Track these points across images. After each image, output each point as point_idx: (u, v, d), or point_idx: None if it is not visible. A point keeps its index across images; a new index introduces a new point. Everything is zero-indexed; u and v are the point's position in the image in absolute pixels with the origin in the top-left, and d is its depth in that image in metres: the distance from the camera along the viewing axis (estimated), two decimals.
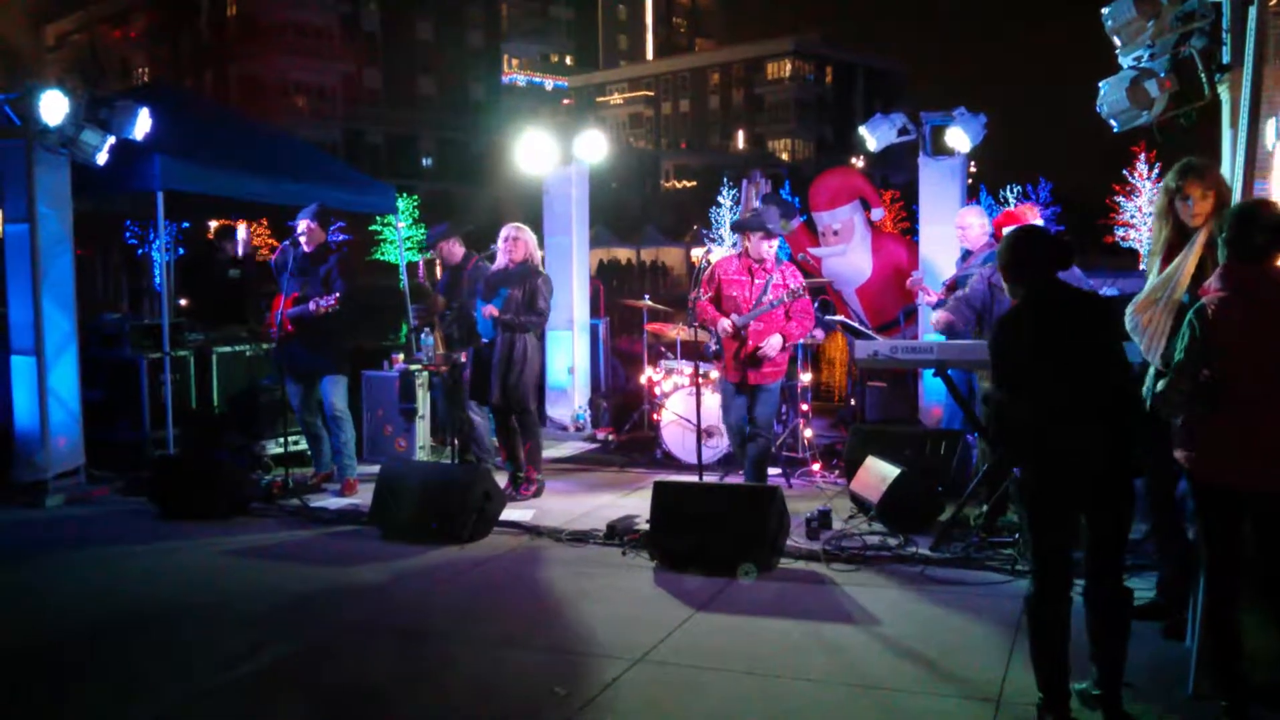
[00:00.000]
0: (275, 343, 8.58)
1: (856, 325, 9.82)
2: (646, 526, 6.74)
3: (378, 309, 12.85)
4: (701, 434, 7.96)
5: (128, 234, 25.79)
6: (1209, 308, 4.03)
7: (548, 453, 9.76)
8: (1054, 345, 4.05)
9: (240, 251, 11.93)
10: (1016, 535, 6.32)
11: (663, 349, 10.48)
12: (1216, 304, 4.02)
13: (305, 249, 8.49)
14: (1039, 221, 7.08)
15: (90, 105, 8.19)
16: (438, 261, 9.03)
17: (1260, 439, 3.96)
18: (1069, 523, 4.11)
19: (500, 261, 8.26)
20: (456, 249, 8.93)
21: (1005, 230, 6.87)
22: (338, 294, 8.20)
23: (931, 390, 9.16)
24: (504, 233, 8.28)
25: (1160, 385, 4.23)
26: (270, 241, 37.95)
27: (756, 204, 11.88)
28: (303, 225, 8.46)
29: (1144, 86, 5.58)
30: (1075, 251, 4.32)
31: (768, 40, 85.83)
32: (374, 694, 4.67)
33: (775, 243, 7.70)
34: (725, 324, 7.48)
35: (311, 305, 8.21)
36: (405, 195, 42.06)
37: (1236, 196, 4.77)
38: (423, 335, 9.74)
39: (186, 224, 14.54)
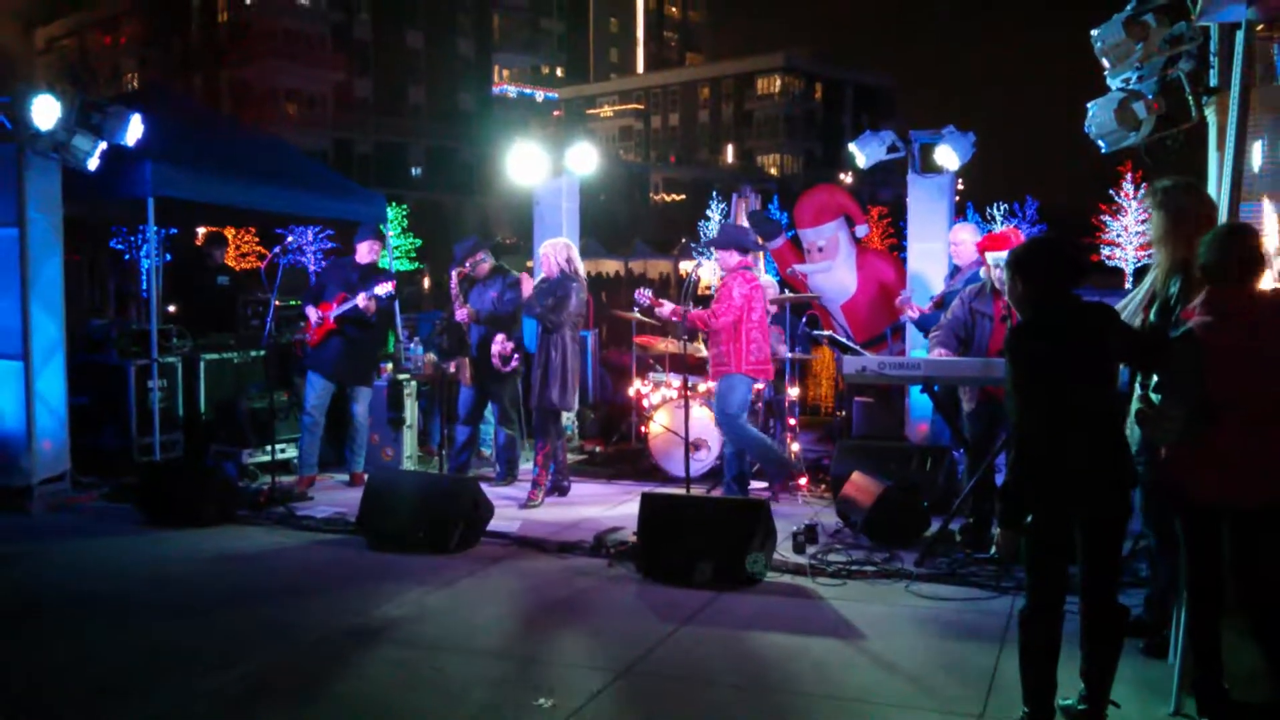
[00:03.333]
0: (304, 343, 9.08)
1: (844, 341, 9.86)
2: (633, 538, 6.76)
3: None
4: (689, 446, 7.98)
5: (115, 240, 25.72)
6: (1196, 331, 4.07)
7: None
8: (1066, 357, 4.08)
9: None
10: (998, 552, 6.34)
11: (651, 361, 10.50)
12: (1202, 328, 4.06)
13: (360, 261, 9.11)
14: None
15: (82, 110, 8.17)
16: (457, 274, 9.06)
17: (1243, 457, 4.00)
18: (1067, 536, 4.14)
19: (540, 275, 8.79)
20: (484, 263, 9.02)
21: (989, 254, 6.97)
22: (392, 282, 8.86)
23: (918, 406, 9.20)
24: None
25: (1137, 405, 4.28)
26: (259, 249, 37.94)
27: (744, 219, 11.94)
28: (364, 248, 9.13)
29: (1132, 108, 5.63)
30: (1084, 267, 4.39)
31: (758, 56, 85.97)
32: (359, 703, 4.67)
33: (726, 256, 8.21)
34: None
35: (361, 300, 8.73)
36: (394, 204, 42.07)
37: (1223, 219, 4.82)
38: (412, 345, 9.78)
39: (174, 230, 14.52)
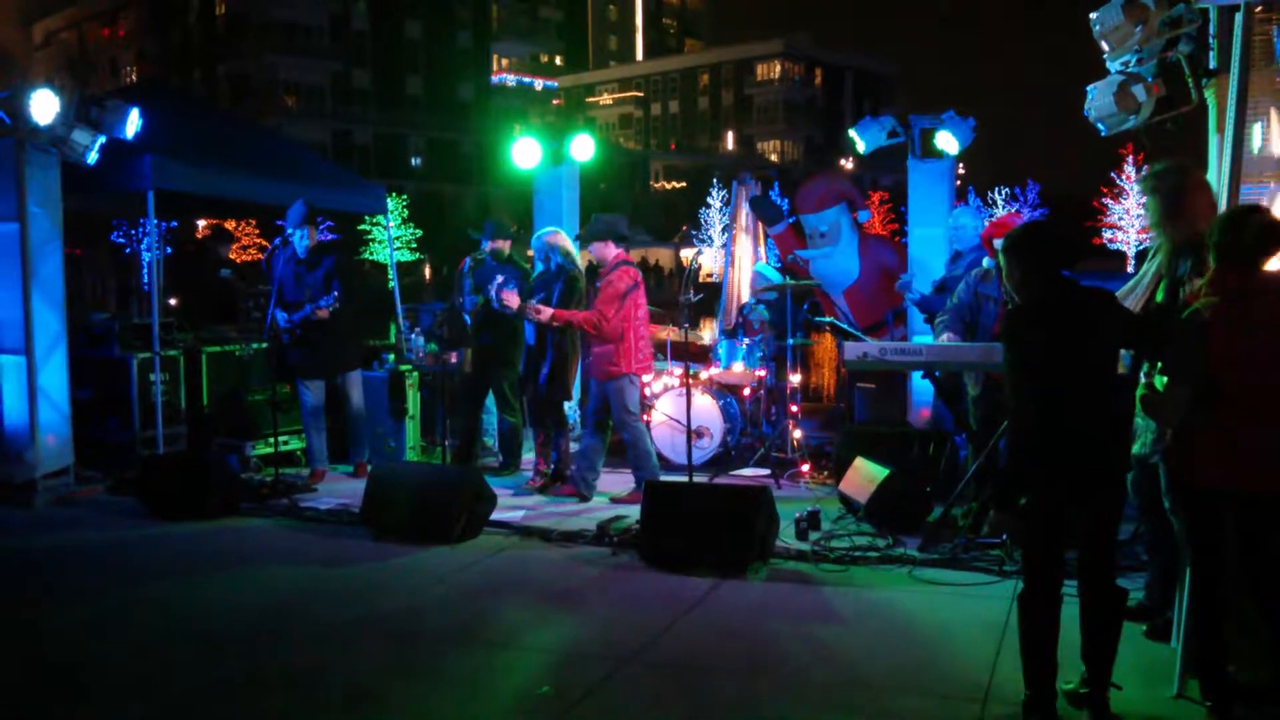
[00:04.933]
0: (285, 345, 8.85)
1: (846, 327, 9.86)
2: (636, 527, 6.77)
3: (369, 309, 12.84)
4: (691, 435, 7.99)
5: (115, 233, 25.74)
6: (1201, 313, 4.06)
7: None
8: (1063, 342, 4.08)
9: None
10: (1004, 536, 6.36)
11: (653, 350, 10.48)
12: (1208, 309, 4.05)
13: (300, 253, 8.79)
14: None
15: (81, 104, 8.16)
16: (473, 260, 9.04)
17: (1248, 442, 3.99)
18: (1064, 520, 4.15)
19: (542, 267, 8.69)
20: (501, 250, 9.02)
21: (995, 240, 6.97)
22: (335, 294, 8.55)
23: (920, 392, 9.20)
24: None
25: (1143, 389, 4.28)
26: (260, 241, 37.99)
27: (745, 206, 11.94)
28: (299, 236, 8.77)
29: (1131, 91, 5.62)
30: (1080, 250, 4.40)
31: (757, 42, 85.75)
32: (363, 694, 4.68)
33: (603, 249, 8.09)
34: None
35: (310, 311, 8.57)
36: (394, 195, 42.11)
37: (1223, 201, 4.82)
38: (413, 335, 9.77)
39: (174, 223, 14.53)
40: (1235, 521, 4.10)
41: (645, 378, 8.32)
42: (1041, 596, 4.11)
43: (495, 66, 72.02)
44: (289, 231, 8.80)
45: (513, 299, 8.09)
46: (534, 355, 8.54)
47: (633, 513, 7.03)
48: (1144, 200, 5.01)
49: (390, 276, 11.61)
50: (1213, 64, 5.22)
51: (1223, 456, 4.02)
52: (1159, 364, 4.28)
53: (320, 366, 8.92)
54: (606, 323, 7.83)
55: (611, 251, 8.08)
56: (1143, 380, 4.38)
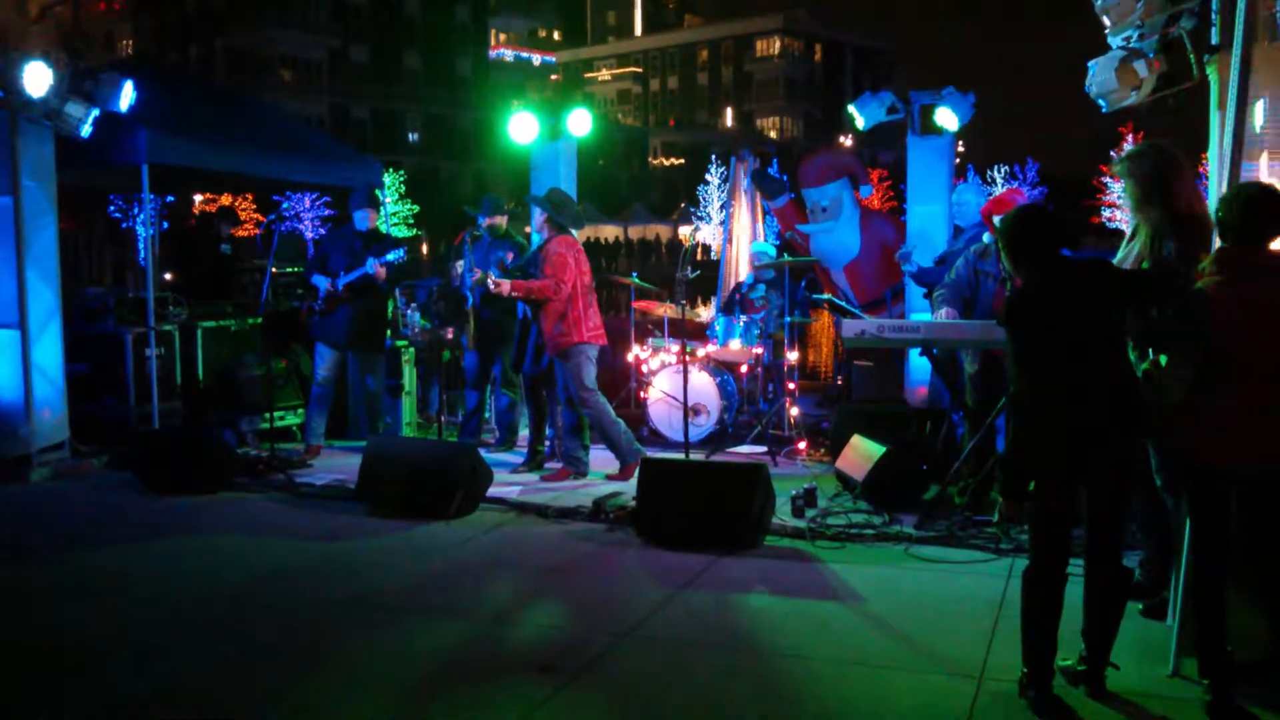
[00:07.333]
0: (316, 311, 8.96)
1: (844, 304, 9.85)
2: (633, 504, 6.76)
3: None
4: (688, 412, 7.98)
5: (111, 207, 25.66)
6: (1206, 290, 4.03)
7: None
8: (1064, 322, 4.06)
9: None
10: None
11: (650, 327, 10.47)
12: (1214, 288, 4.02)
13: (360, 228, 9.08)
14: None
15: (75, 77, 8.12)
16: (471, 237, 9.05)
17: (1253, 420, 3.97)
18: (1071, 497, 4.13)
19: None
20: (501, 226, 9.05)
21: (995, 217, 6.94)
22: (402, 249, 8.85)
23: (918, 369, 9.19)
24: None
25: (1147, 365, 4.25)
26: (256, 216, 37.91)
27: (745, 182, 11.90)
28: (360, 215, 9.11)
29: (1133, 67, 5.58)
30: (1078, 229, 4.38)
31: (757, 17, 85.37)
32: (360, 670, 4.68)
33: (539, 221, 8.27)
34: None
35: (371, 267, 8.69)
36: (391, 170, 41.91)
37: (1224, 179, 4.78)
38: (409, 311, 9.75)
39: (171, 198, 14.47)
40: (1238, 499, 4.08)
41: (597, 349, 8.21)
42: (1048, 575, 4.10)
43: (493, 41, 71.65)
44: (353, 213, 9.17)
45: (504, 286, 8.03)
46: (527, 329, 8.50)
47: (628, 489, 7.02)
48: (1121, 184, 4.99)
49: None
50: (1215, 40, 5.17)
51: (1226, 434, 4.00)
52: (1161, 342, 4.26)
53: (346, 337, 8.93)
54: (565, 286, 7.83)
55: (546, 230, 8.17)
56: (1146, 358, 4.36)
